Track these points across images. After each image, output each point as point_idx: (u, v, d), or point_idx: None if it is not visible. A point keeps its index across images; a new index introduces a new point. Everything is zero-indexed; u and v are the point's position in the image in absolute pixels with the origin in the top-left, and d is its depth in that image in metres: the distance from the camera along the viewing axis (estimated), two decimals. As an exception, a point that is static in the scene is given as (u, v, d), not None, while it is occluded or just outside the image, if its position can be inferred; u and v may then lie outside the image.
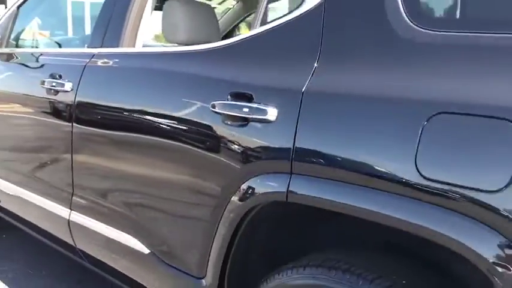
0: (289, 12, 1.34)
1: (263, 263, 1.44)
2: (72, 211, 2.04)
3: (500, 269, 0.92)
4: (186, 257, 1.58)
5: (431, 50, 1.09)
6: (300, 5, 1.33)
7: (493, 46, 1.02)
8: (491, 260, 0.93)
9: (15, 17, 2.55)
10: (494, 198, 0.93)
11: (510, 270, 0.91)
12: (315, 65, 1.25)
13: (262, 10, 1.46)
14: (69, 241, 2.12)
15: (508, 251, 0.91)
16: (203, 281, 1.52)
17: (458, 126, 0.99)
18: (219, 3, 2.92)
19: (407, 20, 1.13)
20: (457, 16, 1.21)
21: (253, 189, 1.31)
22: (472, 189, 0.95)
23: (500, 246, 0.92)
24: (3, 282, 2.56)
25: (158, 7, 2.24)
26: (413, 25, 1.12)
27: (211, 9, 2.15)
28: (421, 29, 1.11)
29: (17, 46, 2.60)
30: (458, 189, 0.97)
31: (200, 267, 1.52)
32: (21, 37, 2.59)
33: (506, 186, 0.91)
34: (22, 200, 2.36)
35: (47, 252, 2.82)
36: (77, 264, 2.57)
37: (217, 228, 1.43)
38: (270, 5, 1.44)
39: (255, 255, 1.47)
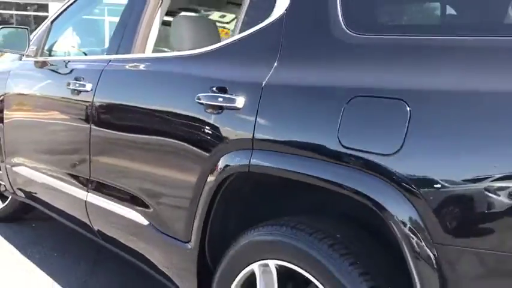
0: (257, 24, 1.67)
1: (238, 228, 1.73)
2: (89, 193, 2.39)
3: (392, 211, 1.20)
4: (176, 226, 1.89)
5: (358, 49, 1.40)
6: (266, 18, 1.65)
7: (399, 45, 1.32)
8: (386, 206, 1.21)
9: (48, 30, 2.96)
10: (389, 160, 1.21)
11: (399, 212, 1.19)
12: (275, 64, 1.57)
13: (240, 22, 1.79)
14: (86, 220, 2.46)
15: (398, 197, 1.19)
16: (188, 244, 1.83)
17: (367, 106, 1.29)
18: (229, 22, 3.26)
19: (344, 27, 1.44)
20: (379, 23, 1.51)
21: (224, 163, 1.62)
22: (375, 154, 1.24)
23: (393, 195, 1.20)
24: (32, 262, 2.92)
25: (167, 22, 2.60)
26: (347, 31, 1.43)
27: (212, 23, 2.50)
28: (353, 34, 1.42)
29: (49, 55, 3.00)
30: (366, 154, 1.26)
31: (186, 233, 1.83)
32: (53, 47, 3.00)
33: (397, 151, 1.20)
34: (49, 188, 2.73)
35: (69, 238, 3.20)
36: (93, 247, 2.94)
37: (199, 200, 1.74)
38: (245, 18, 1.76)
39: (231, 221, 1.77)
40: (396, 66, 1.30)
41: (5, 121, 3.09)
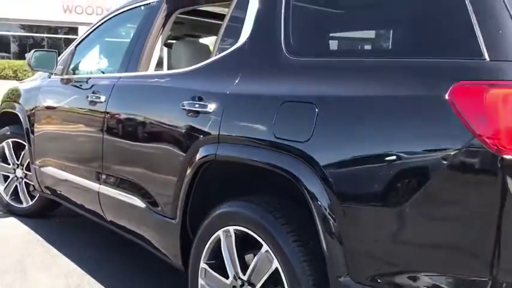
0: (227, 49, 2.19)
1: (212, 206, 2.21)
2: (101, 185, 2.92)
3: (304, 181, 1.69)
4: (166, 206, 2.40)
5: (292, 68, 1.91)
6: (232, 46, 2.18)
7: (315, 64, 1.82)
8: (300, 178, 1.70)
9: (73, 53, 3.54)
10: (303, 145, 1.71)
11: (308, 182, 1.68)
12: (237, 79, 2.09)
13: (216, 48, 2.32)
14: (98, 208, 2.99)
15: (308, 171, 1.68)
16: (174, 220, 2.33)
17: (292, 108, 1.79)
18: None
19: (285, 53, 1.95)
20: (306, 50, 2.01)
21: (201, 154, 2.13)
22: (295, 141, 1.74)
23: (305, 170, 1.69)
24: (53, 247, 3.46)
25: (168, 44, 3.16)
26: (287, 55, 1.94)
27: (203, 47, 3.05)
28: (291, 57, 1.93)
29: (73, 73, 3.57)
30: (289, 142, 1.76)
31: (173, 212, 2.33)
32: (76, 67, 3.57)
33: (308, 140, 1.69)
34: (70, 183, 3.27)
35: (85, 230, 3.74)
36: (104, 235, 3.46)
37: (182, 184, 2.25)
38: (219, 46, 2.30)
39: (206, 201, 2.26)
40: (312, 80, 1.80)
41: (35, 128, 3.66)
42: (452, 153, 1.42)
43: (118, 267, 3.19)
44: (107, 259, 3.30)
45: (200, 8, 3.09)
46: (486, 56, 1.43)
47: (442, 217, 1.49)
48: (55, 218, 4.15)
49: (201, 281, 2.17)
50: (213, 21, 3.26)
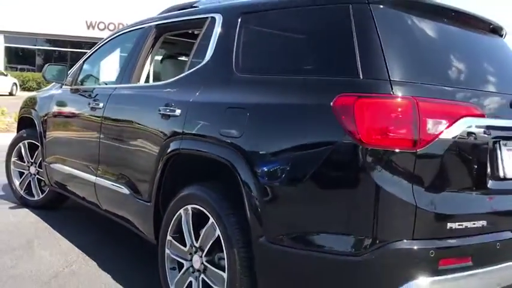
0: (194, 67, 2.77)
1: (179, 191, 2.75)
2: (97, 177, 3.50)
3: (238, 169, 2.23)
4: (144, 192, 2.95)
5: (238, 82, 2.47)
6: (198, 64, 2.76)
7: (252, 79, 2.38)
8: (236, 166, 2.24)
9: (81, 67, 4.15)
10: (238, 140, 2.25)
11: (241, 169, 2.21)
12: (199, 90, 2.65)
13: (187, 66, 2.90)
14: (95, 198, 3.57)
15: (241, 161, 2.22)
16: (149, 203, 2.88)
17: (232, 112, 2.35)
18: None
19: (234, 71, 2.51)
20: (247, 68, 2.56)
21: (170, 148, 2.69)
22: (233, 137, 2.29)
23: (239, 160, 2.23)
24: (57, 232, 4.03)
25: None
26: (239, 72, 2.50)
27: (183, 64, 3.63)
28: (238, 74, 2.49)
29: (81, 84, 4.18)
30: (229, 138, 2.30)
31: (149, 196, 2.89)
32: (83, 79, 4.18)
33: (241, 136, 2.24)
34: (72, 176, 3.86)
35: (85, 220, 4.31)
36: (100, 225, 4.02)
37: (155, 173, 2.80)
38: (190, 64, 2.89)
39: (174, 187, 2.80)
40: (248, 91, 2.36)
41: (47, 131, 4.27)
42: (333, 143, 1.96)
43: (110, 249, 3.75)
44: (102, 243, 3.86)
45: (185, 31, 3.68)
46: (361, 76, 1.97)
47: (329, 191, 2.02)
48: (61, 210, 4.73)
49: (167, 251, 2.71)
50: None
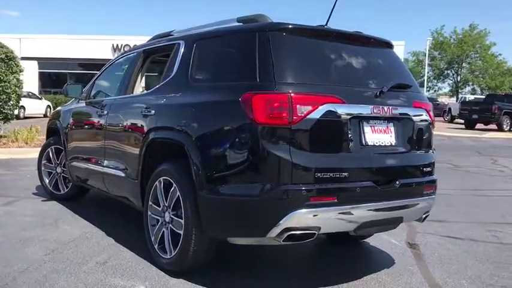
0: (166, 79, 3.85)
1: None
2: (103, 168, 4.60)
3: (187, 146, 3.28)
4: (133, 173, 4.02)
5: (192, 89, 3.53)
6: (168, 77, 3.83)
7: (198, 87, 3.45)
8: (186, 145, 3.29)
9: (93, 84, 5.30)
10: (187, 128, 3.31)
11: (188, 146, 3.27)
12: (166, 97, 3.72)
13: (162, 78, 3.98)
14: (103, 185, 4.67)
15: (190, 141, 3.27)
16: (136, 181, 3.95)
17: (185, 109, 3.41)
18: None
19: (189, 81, 3.58)
20: (198, 79, 3.62)
21: (148, 138, 3.75)
22: (185, 126, 3.35)
23: (188, 140, 3.29)
24: (77, 215, 5.14)
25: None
26: (192, 81, 3.57)
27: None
28: (193, 83, 3.56)
29: (93, 98, 5.30)
30: (182, 127, 3.36)
31: (136, 175, 3.96)
32: (95, 94, 5.31)
33: (189, 125, 3.30)
34: (86, 169, 4.98)
35: (100, 207, 5.40)
36: (111, 210, 5.11)
37: (139, 157, 3.87)
38: (163, 77, 3.97)
39: (153, 166, 3.84)
40: (196, 94, 3.42)
41: (67, 136, 5.42)
42: (241, 125, 3.00)
43: (116, 224, 4.83)
44: (111, 221, 4.95)
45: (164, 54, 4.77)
46: (258, 80, 3.01)
47: (240, 156, 3.04)
48: (82, 201, 5.87)
49: (149, 213, 3.76)
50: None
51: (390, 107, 3.28)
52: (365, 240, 4.55)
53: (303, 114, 2.93)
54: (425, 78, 48.05)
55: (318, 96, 3.01)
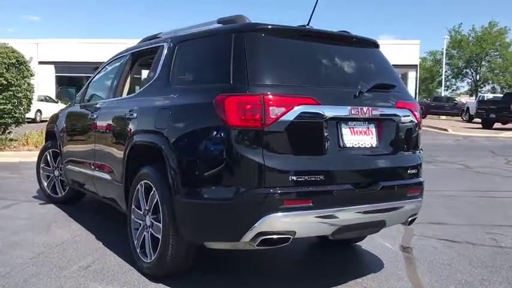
0: (148, 83, 3.82)
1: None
2: (93, 170, 4.60)
3: (164, 149, 3.24)
4: (118, 176, 4.01)
5: (172, 90, 3.49)
6: (150, 81, 3.80)
7: (177, 88, 3.41)
8: (163, 148, 3.25)
9: (86, 88, 5.31)
10: (165, 131, 3.28)
11: (165, 149, 3.23)
12: (148, 100, 3.69)
13: (145, 82, 3.95)
14: (93, 187, 4.66)
15: (167, 144, 3.23)
16: (121, 184, 3.93)
17: (163, 111, 3.37)
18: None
19: (169, 83, 3.55)
20: (177, 81, 3.57)
21: (130, 141, 3.73)
22: (162, 129, 3.31)
23: (166, 143, 3.25)
24: (71, 218, 5.15)
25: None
26: (170, 85, 3.54)
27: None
28: (173, 86, 3.52)
29: (87, 101, 5.31)
30: (160, 130, 3.33)
31: (121, 178, 3.94)
32: (88, 97, 5.32)
33: (166, 127, 3.26)
34: (78, 172, 4.98)
35: (92, 211, 5.40)
36: (103, 214, 5.10)
37: (123, 161, 3.85)
38: (144, 81, 3.94)
39: (136, 169, 3.81)
40: (173, 96, 3.38)
41: (64, 140, 5.44)
42: (214, 127, 2.95)
43: (107, 228, 4.82)
44: (103, 225, 4.94)
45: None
46: (231, 82, 2.95)
47: (212, 159, 2.98)
48: (78, 205, 5.88)
49: (132, 216, 3.74)
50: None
51: (370, 108, 3.19)
52: (358, 243, 4.45)
53: (276, 116, 2.86)
54: (443, 77, 47.35)
55: (292, 98, 2.94)
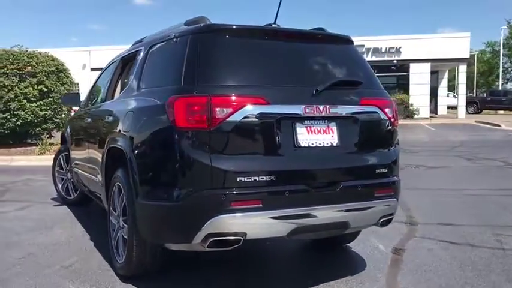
0: (125, 88, 3.89)
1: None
2: (88, 173, 4.73)
3: (125, 150, 3.29)
4: (102, 178, 4.09)
5: (138, 95, 3.54)
6: (129, 83, 3.87)
7: (143, 92, 3.46)
8: (124, 150, 3.30)
9: (90, 92, 5.48)
10: (127, 133, 3.32)
11: (125, 149, 3.28)
12: (121, 104, 3.76)
13: (124, 88, 4.02)
14: (91, 188, 4.80)
15: (127, 145, 3.28)
16: (103, 186, 4.02)
17: (129, 115, 3.43)
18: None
19: (139, 87, 3.60)
20: (145, 85, 3.60)
21: (106, 145, 3.81)
22: (126, 131, 3.36)
23: (126, 144, 3.30)
24: (76, 219, 5.33)
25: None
26: (140, 88, 3.59)
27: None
28: (141, 89, 3.57)
29: (91, 105, 5.48)
30: (125, 132, 3.38)
31: (103, 180, 4.03)
32: (91, 101, 5.49)
33: (129, 130, 3.31)
34: (81, 175, 5.15)
35: (98, 213, 5.56)
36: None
37: (102, 162, 3.94)
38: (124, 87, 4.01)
39: (113, 171, 3.89)
40: (138, 99, 3.42)
41: (71, 143, 5.64)
42: (165, 128, 2.96)
43: (106, 232, 4.94)
44: (103, 227, 5.06)
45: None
46: (182, 84, 2.96)
47: (162, 161, 2.99)
48: (89, 206, 6.07)
49: (110, 218, 3.81)
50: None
51: (328, 106, 3.09)
52: (349, 244, 4.33)
53: (222, 117, 2.83)
54: (500, 69, 45.10)
55: (240, 98, 2.89)
